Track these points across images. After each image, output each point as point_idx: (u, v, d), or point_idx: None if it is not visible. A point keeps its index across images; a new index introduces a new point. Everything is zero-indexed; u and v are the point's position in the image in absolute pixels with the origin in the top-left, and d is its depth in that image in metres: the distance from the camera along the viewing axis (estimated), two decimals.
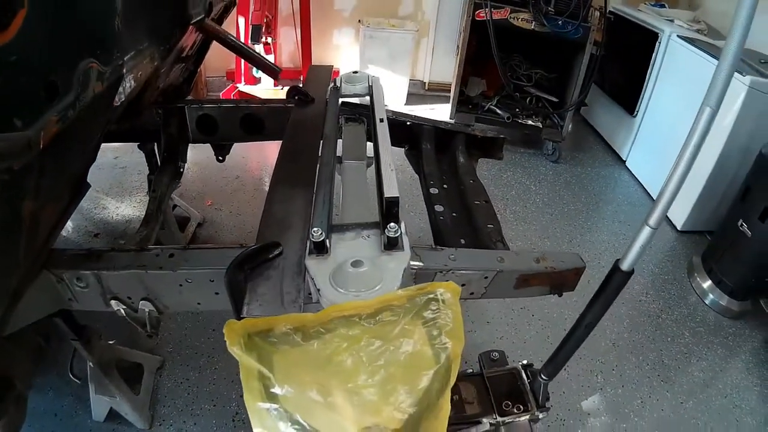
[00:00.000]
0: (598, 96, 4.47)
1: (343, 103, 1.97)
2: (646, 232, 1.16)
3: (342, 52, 4.94)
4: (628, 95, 3.98)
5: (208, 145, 2.31)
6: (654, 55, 3.65)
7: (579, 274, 1.45)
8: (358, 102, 2.03)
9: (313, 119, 1.79)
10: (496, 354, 1.73)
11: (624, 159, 4.12)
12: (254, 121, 2.07)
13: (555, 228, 3.27)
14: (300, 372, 0.75)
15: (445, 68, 4.87)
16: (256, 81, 4.32)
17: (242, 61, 4.28)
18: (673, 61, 3.53)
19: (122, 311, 1.33)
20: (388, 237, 1.00)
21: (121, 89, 1.45)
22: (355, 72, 2.06)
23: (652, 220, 1.14)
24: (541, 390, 1.59)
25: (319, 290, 0.92)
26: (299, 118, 1.83)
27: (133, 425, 1.88)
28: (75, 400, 1.95)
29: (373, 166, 1.34)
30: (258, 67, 2.28)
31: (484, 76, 4.32)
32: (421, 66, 5.11)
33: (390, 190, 1.07)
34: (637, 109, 3.88)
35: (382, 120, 1.46)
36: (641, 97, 3.81)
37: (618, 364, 2.36)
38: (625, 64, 4.09)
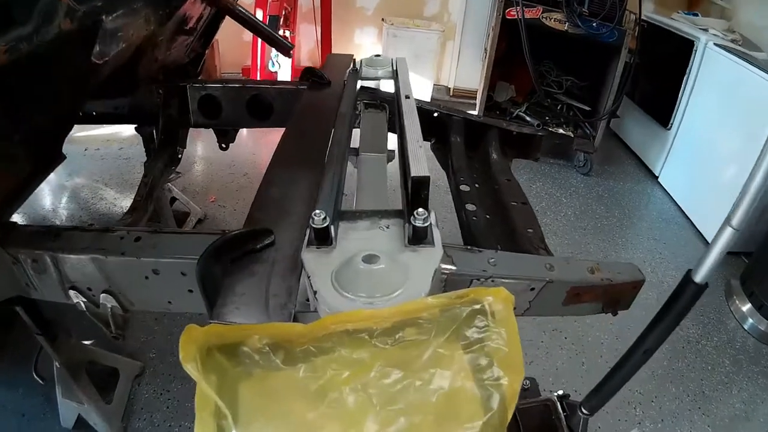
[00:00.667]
0: (629, 107, 4.20)
1: (362, 88, 1.74)
2: (727, 233, 0.93)
3: (363, 51, 4.74)
4: (661, 107, 3.75)
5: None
6: (690, 64, 3.42)
7: (637, 288, 1.19)
8: (379, 89, 1.80)
9: (328, 102, 1.56)
10: (527, 382, 1.50)
11: (656, 174, 3.87)
12: (262, 104, 1.85)
13: (588, 243, 3.02)
14: (275, 411, 0.50)
15: (471, 75, 4.64)
16: (272, 76, 4.13)
17: (258, 56, 4.11)
18: (710, 71, 3.32)
19: (82, 304, 1.10)
20: (414, 227, 0.75)
21: (104, 45, 1.24)
22: (378, 56, 1.84)
23: (735, 219, 0.91)
24: (580, 426, 1.36)
25: (316, 292, 0.67)
26: (312, 101, 1.60)
27: None
28: (45, 401, 1.74)
29: (396, 147, 1.10)
30: (269, 43, 2.07)
31: (512, 81, 4.08)
32: (446, 71, 4.88)
33: (418, 168, 0.82)
34: (671, 122, 3.64)
35: (408, 96, 1.22)
36: (676, 108, 3.58)
37: (657, 395, 2.12)
38: (659, 74, 3.84)
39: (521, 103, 3.98)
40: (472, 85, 4.67)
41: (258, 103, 1.85)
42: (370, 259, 0.70)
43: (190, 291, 0.95)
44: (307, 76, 1.78)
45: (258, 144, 3.61)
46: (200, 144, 3.57)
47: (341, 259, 0.73)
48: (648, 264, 2.91)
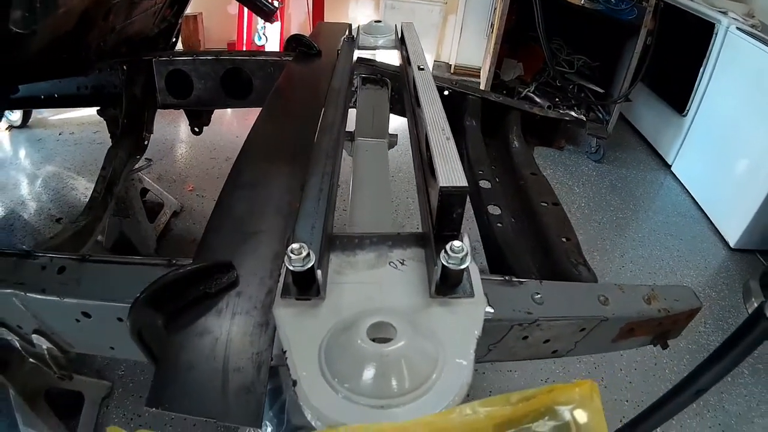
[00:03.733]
0: (640, 91, 3.92)
1: (359, 59, 1.47)
2: None
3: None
4: (677, 92, 3.48)
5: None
6: (710, 48, 3.17)
7: (692, 316, 0.99)
8: (379, 62, 1.54)
9: (317, 75, 1.28)
10: None
11: (669, 163, 3.63)
12: (239, 79, 1.57)
13: (605, 239, 2.80)
14: None
15: (474, 51, 4.34)
16: (260, 50, 3.82)
17: (244, 29, 3.81)
18: (732, 56, 3.06)
19: (16, 343, 0.89)
20: (445, 268, 0.49)
21: (28, 10, 0.96)
22: (378, 21, 1.57)
23: None
24: None
25: (295, 383, 0.41)
26: (297, 74, 1.32)
27: None
28: (12, 425, 1.47)
29: (410, 138, 0.82)
30: (248, 5, 1.78)
31: (519, 59, 3.79)
32: (447, 47, 4.57)
33: (450, 174, 0.54)
34: (687, 108, 3.38)
35: (422, 68, 0.94)
36: (693, 94, 3.32)
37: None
38: (674, 57, 3.58)
39: (529, 83, 3.70)
40: (474, 62, 4.38)
41: (235, 79, 1.58)
42: (379, 331, 0.43)
43: None
44: (294, 44, 1.50)
45: (242, 125, 3.34)
46: (177, 127, 3.32)
47: (334, 320, 0.46)
48: (666, 263, 2.72)
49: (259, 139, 0.93)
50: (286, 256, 0.47)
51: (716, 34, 3.11)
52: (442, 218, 0.54)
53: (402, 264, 0.55)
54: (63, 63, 1.46)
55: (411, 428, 0.36)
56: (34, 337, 0.86)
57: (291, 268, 0.47)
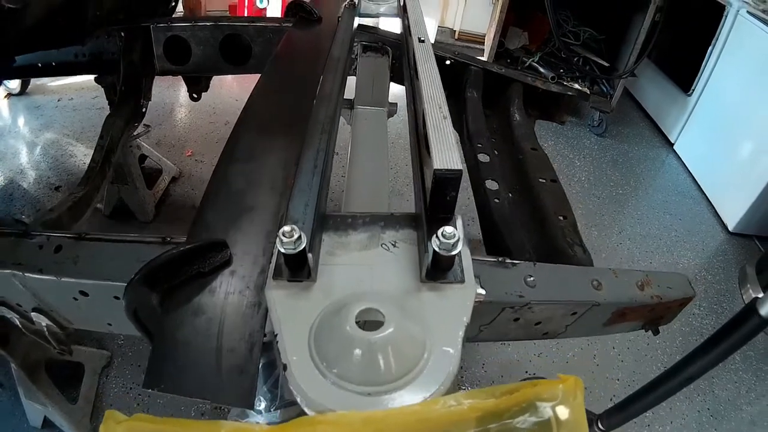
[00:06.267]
0: (645, 67, 3.84)
1: (360, 26, 1.44)
2: None
3: None
4: (683, 71, 3.43)
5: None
6: (718, 30, 3.09)
7: (684, 305, 1.00)
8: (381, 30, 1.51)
9: (317, 42, 1.26)
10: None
11: (672, 142, 3.56)
12: (238, 46, 1.56)
13: (603, 214, 2.79)
14: None
15: (479, 18, 4.24)
16: (261, 13, 3.73)
17: None
18: (741, 40, 2.99)
19: (16, 321, 0.93)
20: (436, 253, 0.49)
21: None
22: None
23: None
24: None
25: (285, 366, 0.42)
26: (296, 41, 1.30)
27: None
28: (14, 398, 1.55)
29: (407, 112, 0.81)
30: None
31: (525, 27, 3.72)
32: (452, 12, 4.47)
33: (445, 156, 0.53)
34: (693, 88, 3.32)
35: (422, 40, 0.92)
36: (699, 74, 3.25)
37: None
38: (683, 36, 3.50)
39: (534, 53, 3.64)
40: (479, 29, 4.28)
41: (234, 45, 1.56)
42: (369, 314, 0.43)
43: None
44: (294, 10, 1.47)
45: (242, 88, 3.28)
46: (177, 91, 3.28)
47: (325, 303, 0.46)
48: (663, 242, 2.71)
49: (256, 109, 0.92)
50: (277, 239, 0.47)
51: (726, 16, 3.03)
52: (435, 200, 0.54)
53: (394, 246, 0.55)
54: (59, 33, 1.44)
55: (396, 417, 0.37)
56: (34, 314, 0.89)
57: (282, 250, 0.47)
